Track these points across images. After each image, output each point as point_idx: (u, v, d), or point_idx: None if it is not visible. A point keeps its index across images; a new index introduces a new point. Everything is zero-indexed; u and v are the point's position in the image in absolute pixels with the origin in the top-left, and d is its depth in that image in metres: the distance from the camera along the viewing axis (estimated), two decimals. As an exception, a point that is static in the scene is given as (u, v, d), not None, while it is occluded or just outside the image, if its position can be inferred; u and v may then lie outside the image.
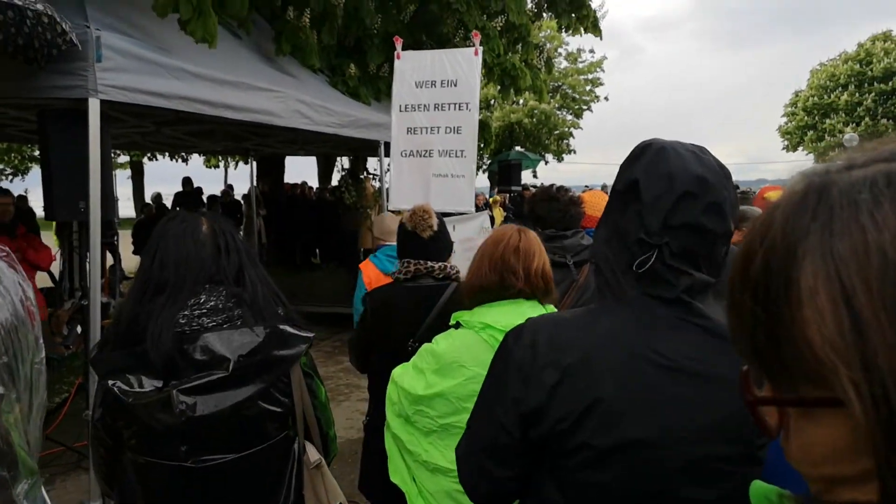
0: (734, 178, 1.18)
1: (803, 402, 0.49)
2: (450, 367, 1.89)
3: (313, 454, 1.77)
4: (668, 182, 1.09)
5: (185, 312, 1.56)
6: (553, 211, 2.96)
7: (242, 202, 12.66)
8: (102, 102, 3.46)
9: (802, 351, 0.46)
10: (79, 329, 4.35)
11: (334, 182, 14.04)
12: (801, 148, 32.03)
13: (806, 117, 31.40)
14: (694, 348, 1.07)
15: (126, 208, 19.87)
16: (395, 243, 5.05)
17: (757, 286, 0.50)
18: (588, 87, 26.31)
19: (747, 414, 0.54)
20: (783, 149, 33.44)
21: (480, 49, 4.90)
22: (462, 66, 4.87)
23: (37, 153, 15.53)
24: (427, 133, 4.94)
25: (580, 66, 26.22)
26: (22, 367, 1.36)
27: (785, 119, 33.40)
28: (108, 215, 3.75)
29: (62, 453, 4.18)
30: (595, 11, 9.82)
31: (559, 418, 1.07)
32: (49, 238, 7.35)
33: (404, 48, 5.10)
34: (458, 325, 1.97)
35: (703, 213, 1.08)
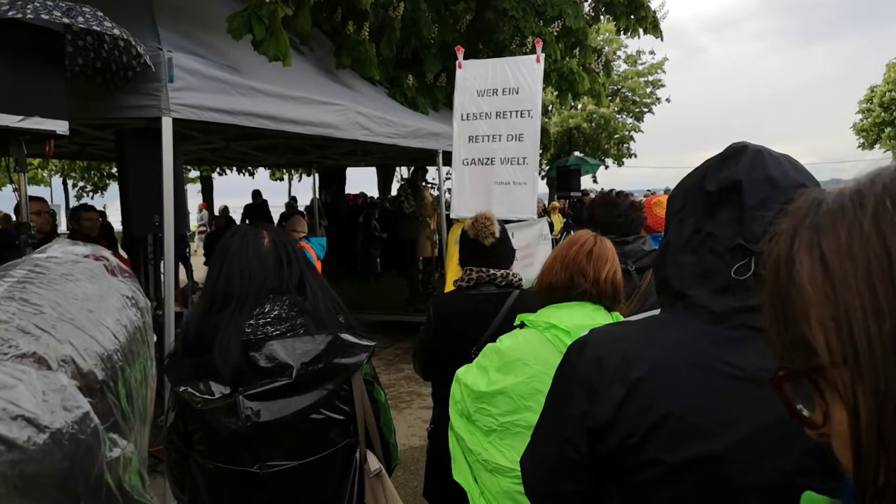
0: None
1: (800, 372, 0.54)
2: (513, 364, 1.90)
3: (374, 463, 1.79)
4: (771, 187, 1.04)
5: (251, 322, 1.60)
6: (613, 216, 2.90)
7: (305, 213, 12.97)
8: (174, 121, 3.60)
9: (799, 320, 0.52)
10: (154, 338, 4.55)
11: (393, 192, 14.20)
12: (878, 145, 30.34)
13: (883, 113, 29.65)
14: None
15: (197, 221, 20.72)
16: (307, 235, 5.64)
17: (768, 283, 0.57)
18: (648, 90, 25.70)
19: None
20: (859, 147, 31.75)
21: (542, 56, 4.87)
22: (524, 73, 4.84)
23: (114, 170, 16.32)
24: (489, 141, 4.93)
25: (640, 68, 25.65)
26: (140, 391, 1.22)
27: (860, 116, 31.71)
28: (181, 229, 3.91)
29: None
30: (655, 12, 9.61)
31: (627, 433, 1.02)
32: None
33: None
34: (522, 326, 1.99)
35: None
